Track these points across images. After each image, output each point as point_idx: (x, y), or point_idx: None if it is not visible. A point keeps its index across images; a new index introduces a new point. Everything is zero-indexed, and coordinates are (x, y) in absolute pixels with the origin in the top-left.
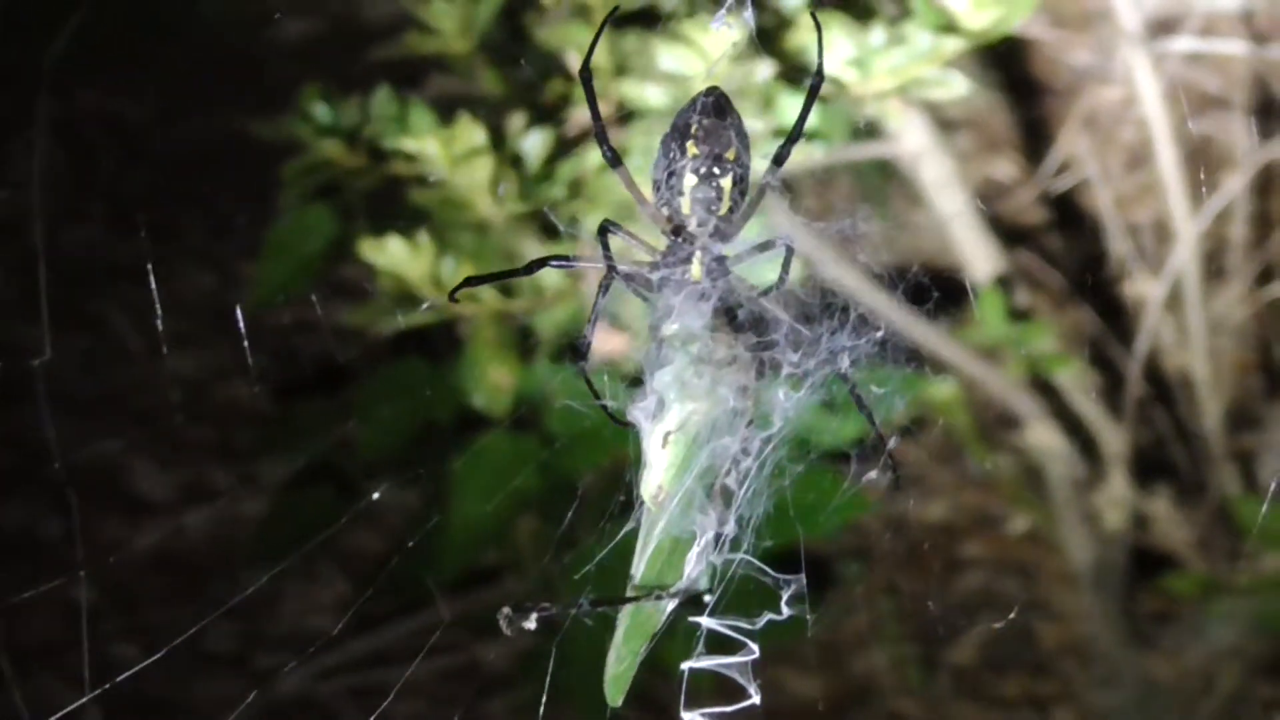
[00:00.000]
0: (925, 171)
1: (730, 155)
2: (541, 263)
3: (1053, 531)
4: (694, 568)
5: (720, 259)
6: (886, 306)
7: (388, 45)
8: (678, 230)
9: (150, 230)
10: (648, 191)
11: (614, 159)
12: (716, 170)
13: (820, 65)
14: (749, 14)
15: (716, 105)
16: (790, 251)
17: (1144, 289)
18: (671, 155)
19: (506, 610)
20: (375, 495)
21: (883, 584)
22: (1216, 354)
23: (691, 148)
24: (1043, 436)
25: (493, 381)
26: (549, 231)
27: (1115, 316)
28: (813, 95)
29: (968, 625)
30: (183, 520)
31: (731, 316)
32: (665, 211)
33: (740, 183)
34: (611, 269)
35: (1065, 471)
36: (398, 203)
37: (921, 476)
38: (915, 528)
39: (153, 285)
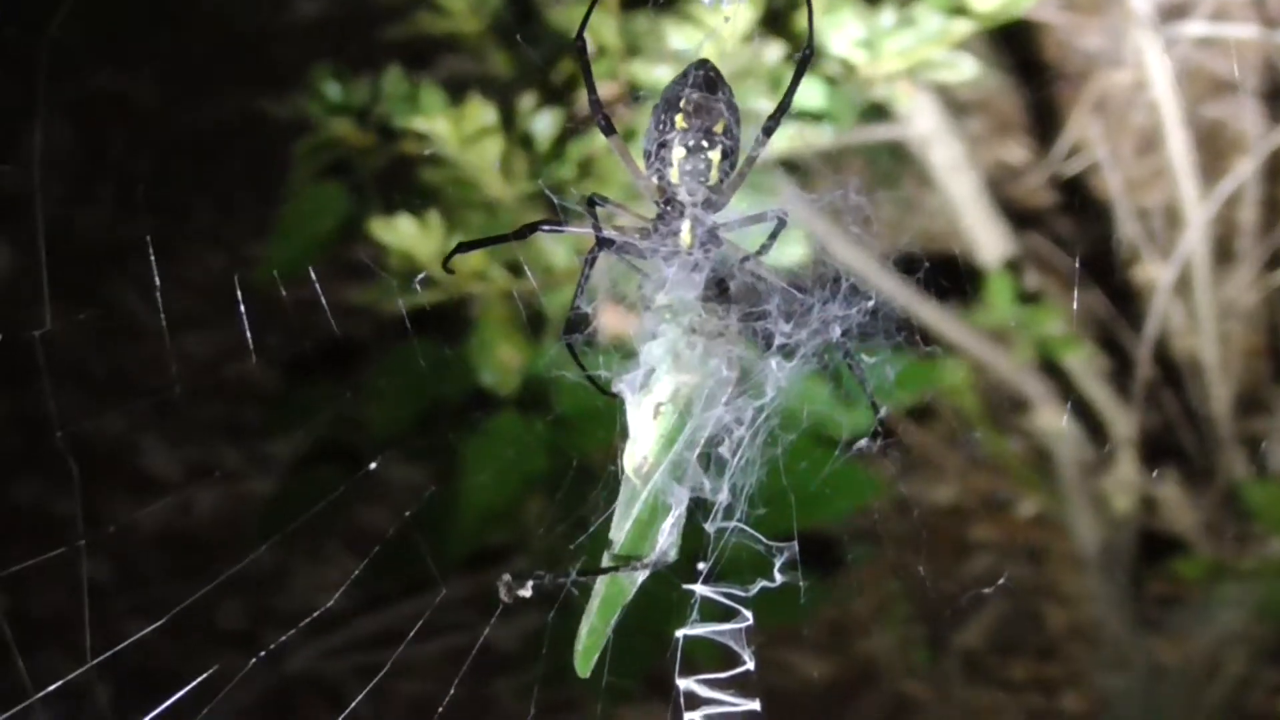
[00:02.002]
0: (936, 154)
1: (719, 129)
2: (533, 227)
3: (1061, 514)
4: (666, 539)
5: (712, 229)
6: (890, 284)
7: (399, 25)
8: (668, 200)
9: (160, 210)
10: (641, 161)
11: (607, 126)
12: (705, 143)
13: (811, 38)
14: None
15: (707, 79)
16: (782, 223)
17: (1154, 273)
18: (662, 127)
19: (506, 578)
20: (373, 465)
21: (890, 566)
22: (1225, 338)
23: (680, 121)
24: (1051, 419)
25: (501, 360)
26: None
27: (1125, 300)
28: (802, 68)
29: (974, 607)
30: (191, 498)
31: (723, 288)
32: (656, 181)
33: (729, 155)
34: (600, 239)
35: (1074, 455)
36: (409, 182)
37: (930, 459)
38: (924, 510)
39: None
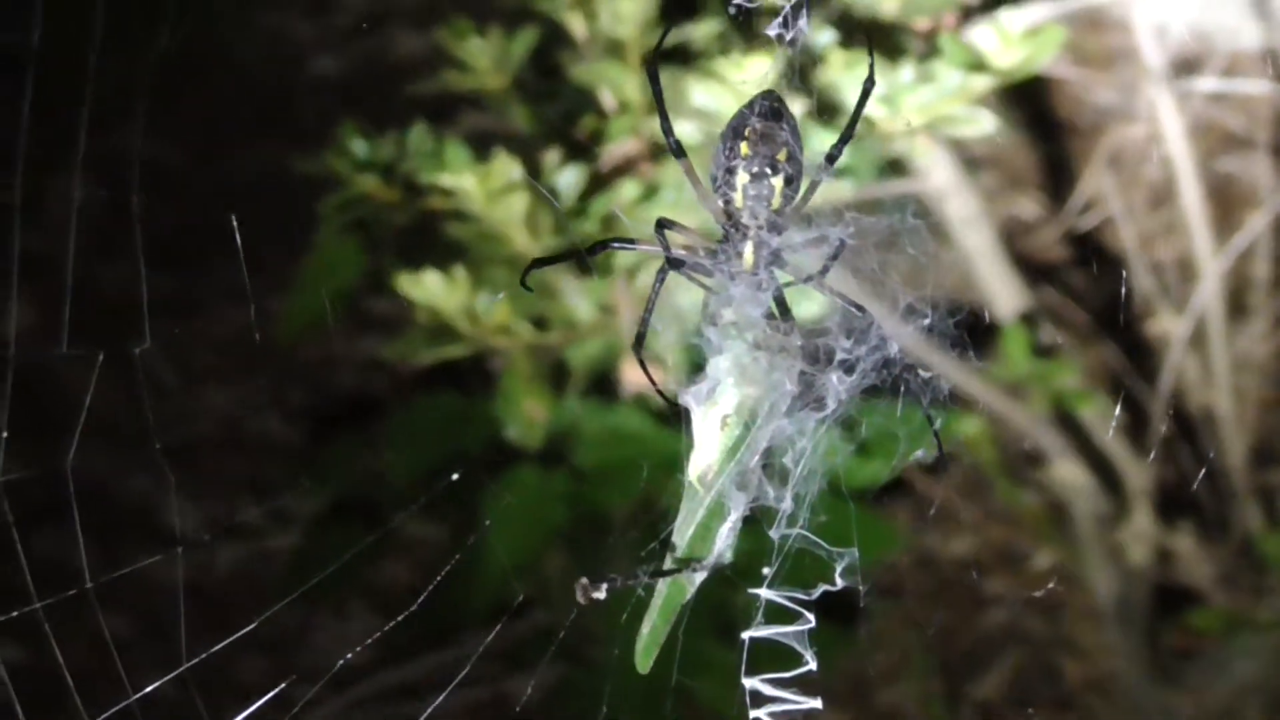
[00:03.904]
0: (951, 208)
1: (782, 156)
2: (604, 244)
3: (1077, 567)
4: (723, 542)
5: (775, 251)
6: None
7: (422, 82)
8: (733, 223)
9: (183, 266)
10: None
11: (678, 149)
12: (768, 170)
13: (871, 71)
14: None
15: (772, 109)
16: (843, 244)
17: (1168, 326)
18: (728, 153)
19: (584, 580)
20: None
21: (908, 618)
22: (1240, 391)
23: (744, 148)
24: (1068, 472)
25: (527, 414)
26: (583, 266)
27: (1140, 353)
28: (864, 98)
29: (991, 659)
30: (213, 553)
31: (785, 306)
32: (722, 205)
33: (791, 182)
34: (670, 259)
35: (1090, 507)
36: (430, 237)
37: (947, 512)
38: (941, 563)
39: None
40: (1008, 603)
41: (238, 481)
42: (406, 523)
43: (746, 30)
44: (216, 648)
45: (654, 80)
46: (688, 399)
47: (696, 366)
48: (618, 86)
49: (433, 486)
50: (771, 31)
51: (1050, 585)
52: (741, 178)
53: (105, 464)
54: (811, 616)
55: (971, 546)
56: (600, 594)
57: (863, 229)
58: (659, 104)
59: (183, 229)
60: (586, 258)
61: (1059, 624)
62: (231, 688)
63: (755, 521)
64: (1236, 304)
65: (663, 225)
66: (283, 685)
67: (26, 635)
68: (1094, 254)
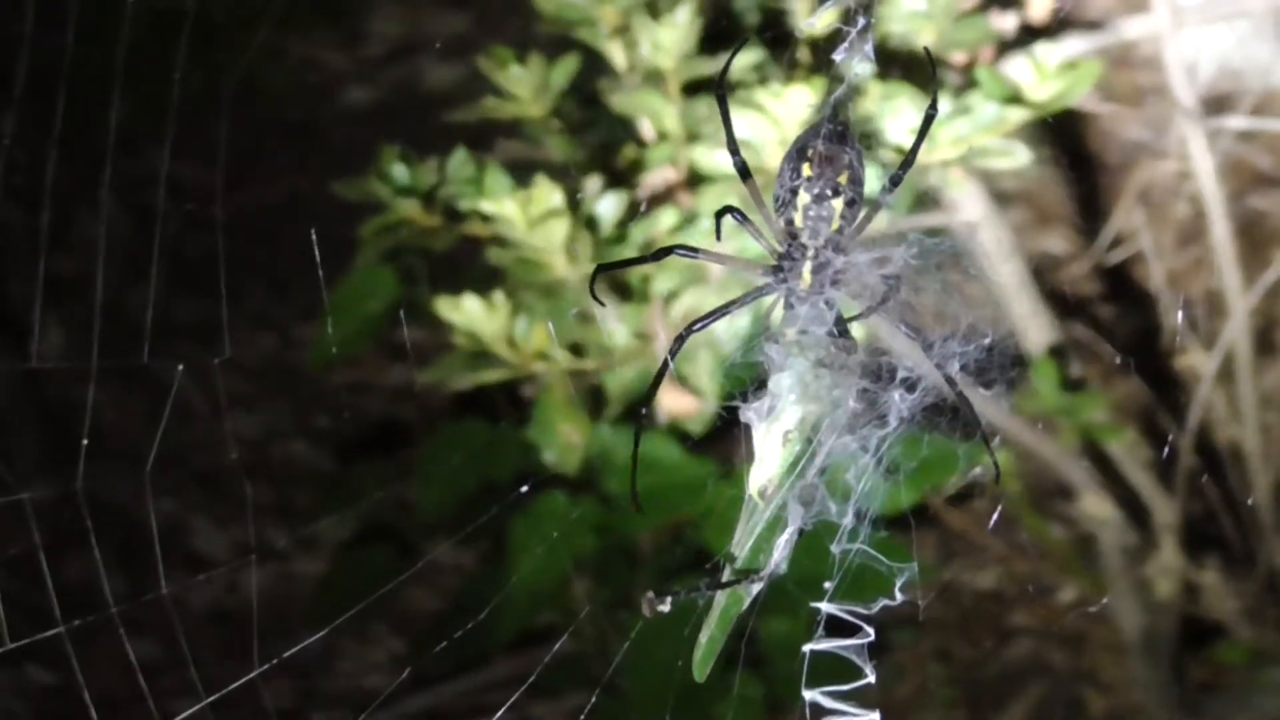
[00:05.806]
0: (982, 242)
1: (844, 179)
2: (668, 251)
3: (1103, 600)
4: (779, 554)
5: (836, 272)
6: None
7: (460, 109)
8: (795, 242)
9: (212, 292)
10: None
11: (744, 169)
12: (829, 192)
13: (935, 98)
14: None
15: (836, 133)
16: (897, 282)
17: (1196, 362)
18: (792, 174)
19: (650, 594)
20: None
21: (931, 650)
22: (1267, 427)
23: (807, 169)
24: (1095, 506)
25: (564, 439)
26: (621, 292)
27: (1167, 388)
28: (927, 124)
29: (1014, 691)
30: (239, 577)
31: (845, 325)
32: (784, 225)
33: (853, 204)
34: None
35: (1117, 541)
36: (468, 263)
37: (972, 544)
38: (965, 594)
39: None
40: (1032, 635)
41: (265, 507)
42: (432, 549)
43: (787, 60)
44: (249, 676)
45: (721, 103)
46: (750, 414)
47: (740, 386)
48: (657, 116)
49: (462, 513)
50: (837, 57)
51: (1083, 610)
52: (803, 198)
53: (132, 488)
54: (871, 630)
55: (996, 578)
56: (665, 607)
57: (925, 249)
58: (726, 126)
59: (212, 255)
60: (652, 262)
61: (1083, 656)
62: (256, 711)
63: (817, 537)
64: (1264, 341)
65: (729, 213)
66: None
67: (57, 658)
68: (1123, 289)
